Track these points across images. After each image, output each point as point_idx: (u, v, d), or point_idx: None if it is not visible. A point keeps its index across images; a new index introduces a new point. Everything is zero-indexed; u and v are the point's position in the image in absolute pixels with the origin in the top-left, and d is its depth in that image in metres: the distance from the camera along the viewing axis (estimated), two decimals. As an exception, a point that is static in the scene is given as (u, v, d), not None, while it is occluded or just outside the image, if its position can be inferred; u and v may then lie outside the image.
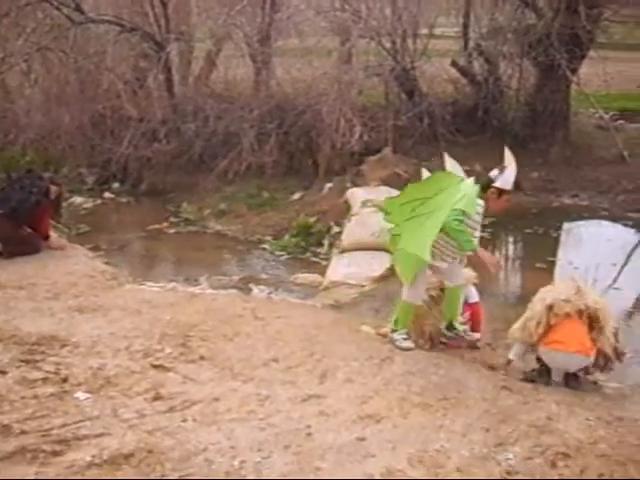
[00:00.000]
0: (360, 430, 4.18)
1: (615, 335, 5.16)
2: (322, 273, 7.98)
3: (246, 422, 4.21)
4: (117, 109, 12.21)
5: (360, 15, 12.00)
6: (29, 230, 7.25)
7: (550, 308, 5.06)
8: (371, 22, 12.13)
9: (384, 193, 9.49)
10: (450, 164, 5.66)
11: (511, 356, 5.29)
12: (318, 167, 10.96)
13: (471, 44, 13.18)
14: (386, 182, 10.10)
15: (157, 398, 4.44)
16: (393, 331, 5.50)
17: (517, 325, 5.25)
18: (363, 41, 12.46)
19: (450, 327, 5.67)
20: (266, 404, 4.41)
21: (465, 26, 13.45)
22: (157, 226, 10.12)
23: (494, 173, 5.34)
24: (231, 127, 11.32)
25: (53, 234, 7.67)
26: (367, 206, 8.92)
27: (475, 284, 5.84)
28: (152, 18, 12.63)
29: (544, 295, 5.19)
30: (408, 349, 5.37)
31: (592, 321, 5.04)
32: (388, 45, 12.35)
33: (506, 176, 5.34)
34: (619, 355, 5.17)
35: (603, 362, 5.13)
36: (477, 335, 5.75)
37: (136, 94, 12.24)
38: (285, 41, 13.38)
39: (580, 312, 5.03)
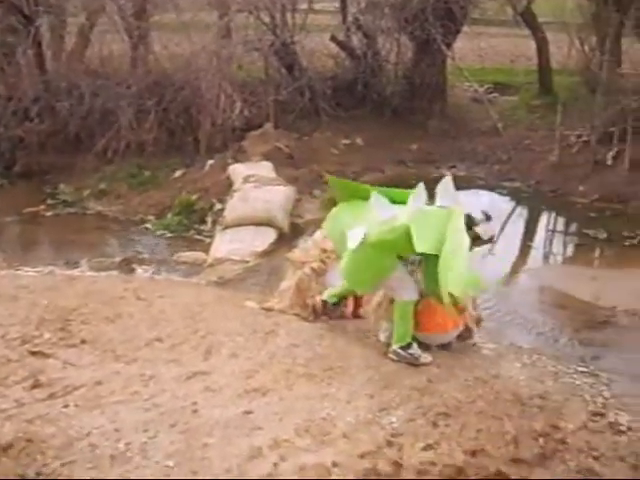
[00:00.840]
0: (246, 404, 4.23)
1: (474, 307, 5.45)
2: (206, 251, 7.92)
3: (130, 404, 4.18)
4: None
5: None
6: None
7: None
8: (249, -5, 12.01)
9: (266, 168, 9.55)
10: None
11: (382, 339, 5.33)
12: (199, 144, 10.78)
13: (349, 18, 13.29)
14: (268, 157, 10.12)
15: (36, 386, 4.34)
16: (402, 347, 4.95)
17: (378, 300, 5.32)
18: (242, 15, 12.32)
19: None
20: (150, 384, 4.39)
21: (343, 0, 13.55)
22: (33, 209, 9.71)
23: (479, 217, 5.04)
24: (108, 104, 10.95)
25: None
26: (249, 182, 8.91)
27: None
28: (20, -9, 12.02)
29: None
30: (428, 362, 4.95)
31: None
32: (267, 19, 12.28)
33: (490, 226, 5.12)
34: (478, 322, 5.46)
35: (467, 334, 5.39)
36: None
37: (4, 71, 11.61)
38: (162, 15, 13.05)
39: None
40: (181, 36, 12.25)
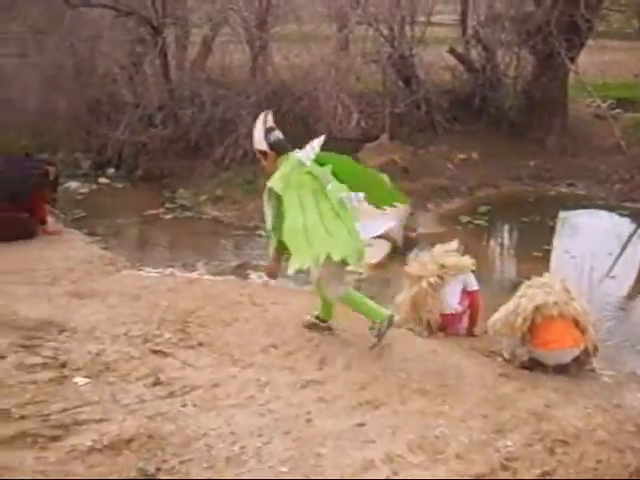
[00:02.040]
0: (359, 416, 4.20)
1: (594, 332, 5.26)
2: (319, 259, 7.95)
3: (246, 408, 4.22)
4: (113, 94, 12.13)
5: (358, 1, 11.91)
6: (26, 214, 7.22)
7: (538, 308, 5.10)
8: (369, 8, 12.05)
9: (381, 180, 9.51)
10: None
11: (506, 355, 5.29)
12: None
13: (469, 31, 13.13)
14: (383, 169, 10.05)
15: (157, 383, 4.45)
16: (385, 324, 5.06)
17: (498, 316, 5.26)
18: (361, 27, 12.39)
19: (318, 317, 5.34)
20: (265, 390, 4.43)
21: (463, 13, 13.41)
22: (153, 211, 10.07)
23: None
24: (228, 113, 11.25)
25: (50, 219, 7.65)
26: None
27: (473, 271, 5.85)
28: (148, 2, 12.53)
29: (533, 293, 5.20)
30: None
31: (576, 323, 5.11)
32: (386, 32, 12.28)
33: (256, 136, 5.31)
34: (595, 349, 5.26)
35: (586, 358, 5.20)
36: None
37: (132, 79, 12.14)
38: (282, 26, 13.30)
39: (564, 315, 5.08)
40: (300, 47, 12.42)
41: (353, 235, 4.98)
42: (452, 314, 5.74)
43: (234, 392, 4.38)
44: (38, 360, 4.74)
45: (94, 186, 11.53)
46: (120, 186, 11.65)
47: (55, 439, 3.87)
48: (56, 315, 5.42)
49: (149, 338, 5.05)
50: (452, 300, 5.71)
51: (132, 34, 12.67)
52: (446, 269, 5.66)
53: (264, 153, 5.25)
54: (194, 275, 6.76)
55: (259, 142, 5.25)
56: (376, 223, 5.30)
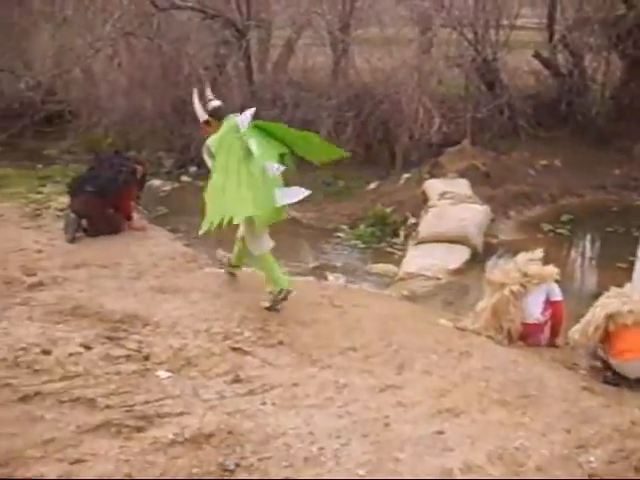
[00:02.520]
0: (438, 423, 4.15)
1: None
2: (397, 264, 7.93)
3: (324, 409, 4.23)
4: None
5: (443, 4, 11.81)
6: (113, 210, 7.42)
7: (611, 317, 4.97)
8: (454, 12, 11.94)
9: (462, 185, 9.42)
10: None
11: (584, 367, 5.19)
12: (395, 157, 10.88)
13: (556, 35, 12.84)
14: (464, 174, 9.98)
15: (236, 380, 4.50)
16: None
17: (577, 327, 5.17)
18: (444, 31, 12.29)
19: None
20: (344, 392, 4.42)
21: (550, 16, 13.12)
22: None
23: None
24: (309, 115, 11.34)
25: (135, 215, 7.85)
26: (445, 198, 8.83)
27: (557, 281, 5.72)
28: (234, 5, 12.75)
29: (607, 302, 5.10)
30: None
31: None
32: (470, 35, 12.14)
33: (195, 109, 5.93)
34: None
35: None
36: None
37: (216, 80, 12.35)
38: (365, 30, 13.31)
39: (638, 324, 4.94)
40: (383, 51, 12.40)
41: (265, 199, 5.53)
42: (534, 324, 5.61)
43: (313, 392, 4.39)
44: (123, 352, 4.87)
45: (176, 184, 11.77)
46: (201, 184, 11.81)
47: (138, 430, 3.96)
48: (140, 309, 5.56)
49: (230, 335, 5.12)
50: (535, 309, 5.58)
51: (217, 36, 12.89)
52: (529, 278, 5.54)
53: (207, 122, 5.87)
54: (274, 275, 6.80)
55: (200, 115, 5.92)
56: (295, 191, 5.77)
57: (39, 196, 8.99)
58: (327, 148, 6.45)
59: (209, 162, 5.78)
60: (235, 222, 5.50)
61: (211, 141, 5.69)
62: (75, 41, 12.18)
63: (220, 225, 5.45)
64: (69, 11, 12.45)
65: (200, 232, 5.48)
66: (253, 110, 5.69)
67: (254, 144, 5.53)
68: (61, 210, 7.10)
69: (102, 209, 7.18)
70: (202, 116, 5.89)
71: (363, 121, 11.14)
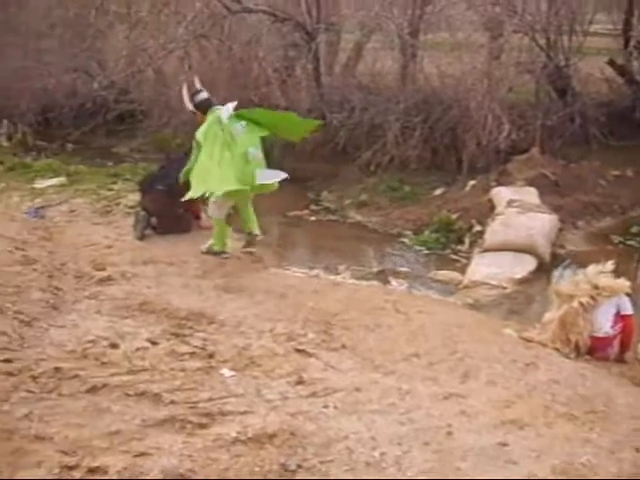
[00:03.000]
0: (502, 435, 4.07)
1: None
2: (461, 271, 7.85)
3: (387, 415, 4.20)
4: (266, 97, 12.47)
5: (515, 9, 11.63)
6: (182, 209, 7.53)
7: None
8: (526, 17, 11.73)
9: (530, 194, 9.26)
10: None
11: None
12: (462, 163, 10.74)
13: (632, 42, 12.49)
14: (532, 183, 9.80)
15: (299, 382, 4.51)
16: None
17: None
18: (515, 36, 12.08)
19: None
20: (407, 399, 4.39)
21: (627, 23, 12.76)
22: (298, 212, 10.28)
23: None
24: (376, 119, 11.31)
25: (203, 215, 7.96)
26: (512, 206, 8.69)
27: (628, 295, 5.58)
28: (304, 8, 12.81)
29: None
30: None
31: None
32: (542, 41, 11.91)
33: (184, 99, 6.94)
34: None
35: None
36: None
37: (285, 83, 12.46)
38: (434, 34, 13.21)
39: None
40: (452, 56, 12.27)
41: (245, 177, 6.65)
42: (603, 337, 5.47)
43: (375, 398, 4.37)
44: (188, 349, 4.94)
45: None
46: (266, 186, 11.94)
47: (202, 426, 4.01)
48: (206, 307, 5.64)
49: (293, 337, 5.15)
50: (604, 323, 5.45)
51: (286, 39, 12.99)
52: (600, 290, 5.41)
53: (194, 113, 6.96)
54: (338, 278, 6.82)
55: (188, 105, 6.96)
56: (274, 173, 7.02)
57: (110, 193, 9.23)
58: (305, 124, 7.79)
59: (194, 154, 6.81)
60: (217, 193, 6.64)
61: (199, 133, 6.72)
62: (148, 42, 12.41)
63: (203, 196, 6.66)
64: (143, 13, 12.71)
65: (184, 198, 6.62)
66: (235, 103, 6.86)
67: (237, 131, 6.67)
68: (131, 207, 7.28)
69: (172, 208, 7.30)
70: (188, 107, 6.99)
71: (431, 126, 11.04)
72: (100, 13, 13.21)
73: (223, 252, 6.98)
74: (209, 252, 6.98)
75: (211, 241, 7.04)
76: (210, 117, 6.77)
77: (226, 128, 6.67)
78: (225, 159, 6.58)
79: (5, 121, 15.39)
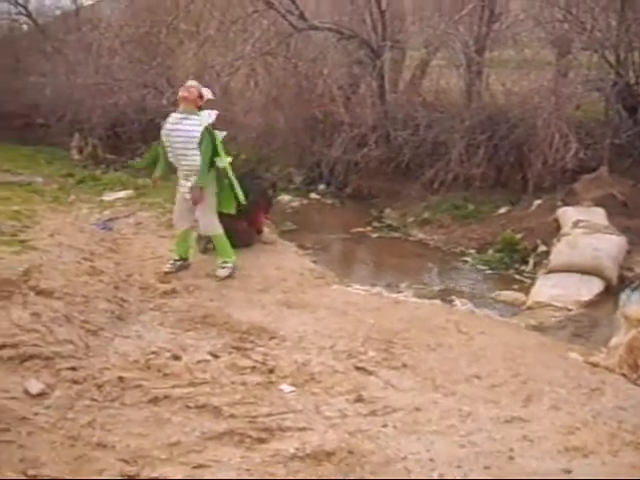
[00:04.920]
0: (566, 462, 3.98)
1: None
2: (525, 292, 7.69)
3: (446, 436, 4.15)
4: (330, 113, 12.55)
5: (585, 26, 11.42)
6: (245, 223, 7.61)
7: None
8: (595, 33, 11.51)
9: (597, 214, 9.03)
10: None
11: None
12: (527, 182, 10.56)
13: None
14: (599, 203, 9.55)
15: (359, 400, 4.50)
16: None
17: None
18: (584, 53, 11.86)
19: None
20: (467, 421, 4.33)
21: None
22: (360, 229, 10.28)
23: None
24: (440, 137, 11.24)
25: (266, 229, 8.03)
26: (578, 227, 8.49)
27: None
28: (369, 25, 12.86)
29: None
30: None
31: None
32: (612, 58, 11.66)
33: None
34: None
35: None
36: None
37: (349, 100, 12.50)
38: (500, 51, 13.07)
39: None
40: (519, 73, 12.13)
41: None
42: (673, 364, 5.29)
43: (435, 418, 4.33)
44: (248, 363, 4.99)
45: (305, 201, 12.00)
46: (329, 202, 12.03)
47: (260, 441, 4.04)
48: (267, 322, 5.68)
49: (354, 354, 5.13)
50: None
51: (351, 56, 13.04)
52: (670, 316, 5.25)
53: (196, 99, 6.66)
54: (400, 296, 6.77)
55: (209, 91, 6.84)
56: None
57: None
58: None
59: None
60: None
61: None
62: (216, 59, 12.63)
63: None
64: (212, 31, 12.95)
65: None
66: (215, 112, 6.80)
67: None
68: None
69: (235, 222, 7.37)
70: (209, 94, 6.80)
71: (496, 144, 10.90)
72: (171, 32, 13.50)
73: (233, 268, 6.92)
74: (231, 271, 6.81)
75: (220, 262, 6.87)
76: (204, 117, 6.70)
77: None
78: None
79: (77, 134, 15.89)
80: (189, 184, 6.66)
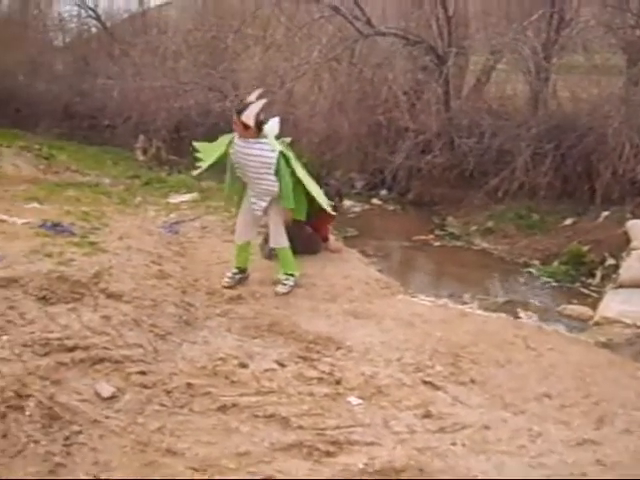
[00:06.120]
0: (642, 489, 3.89)
1: None
2: (592, 306, 7.52)
3: (516, 457, 4.09)
4: (393, 119, 12.50)
5: (659, 33, 11.14)
6: (311, 230, 7.62)
7: None
8: (670, 39, 11.22)
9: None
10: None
11: None
12: (595, 193, 10.33)
13: None
14: (672, 217, 9.29)
15: (427, 416, 4.46)
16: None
17: None
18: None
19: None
20: (538, 441, 4.25)
21: None
22: (422, 237, 10.20)
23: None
24: (506, 145, 11.08)
25: (331, 236, 8.03)
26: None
27: None
28: (435, 31, 12.77)
29: None
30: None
31: None
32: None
33: (248, 112, 6.24)
34: None
35: None
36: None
37: (414, 106, 12.43)
38: (568, 57, 12.82)
39: None
40: (588, 80, 11.88)
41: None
42: None
43: (505, 438, 4.26)
44: (315, 374, 4.99)
45: (366, 206, 11.98)
46: (391, 208, 12.00)
47: (329, 454, 4.04)
48: (333, 332, 5.67)
49: (421, 368, 5.09)
50: None
51: (416, 62, 12.97)
52: None
53: (245, 126, 6.29)
54: (466, 308, 6.70)
55: (250, 119, 6.25)
56: None
57: (239, 211, 9.46)
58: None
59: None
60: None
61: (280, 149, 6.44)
62: (281, 64, 12.71)
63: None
64: (279, 36, 13.04)
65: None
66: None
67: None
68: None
69: (300, 229, 7.38)
70: (249, 121, 6.27)
71: (563, 153, 10.68)
72: (238, 37, 13.64)
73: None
74: (291, 288, 6.65)
75: (282, 276, 6.72)
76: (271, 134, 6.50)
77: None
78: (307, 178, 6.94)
79: (141, 136, 16.18)
80: (263, 204, 6.56)
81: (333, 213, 7.47)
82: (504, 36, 11.65)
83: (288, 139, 6.97)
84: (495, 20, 13.71)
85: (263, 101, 6.35)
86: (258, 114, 6.29)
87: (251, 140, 6.35)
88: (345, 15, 12.15)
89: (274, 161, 6.35)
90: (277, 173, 6.38)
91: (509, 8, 13.10)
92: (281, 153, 6.40)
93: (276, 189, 6.43)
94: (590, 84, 11.77)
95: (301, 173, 6.79)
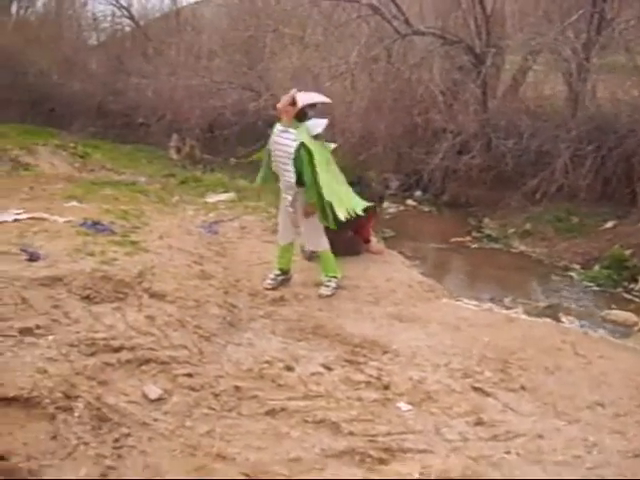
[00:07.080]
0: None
1: None
2: (636, 312, 7.40)
3: (572, 468, 4.00)
4: (430, 120, 12.41)
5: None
6: (351, 233, 7.57)
7: None
8: None
9: None
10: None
11: None
12: (636, 196, 10.17)
13: None
14: None
15: (479, 423, 4.40)
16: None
17: None
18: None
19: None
20: (593, 452, 4.16)
21: None
22: (459, 239, 10.12)
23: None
24: (544, 146, 10.95)
25: (373, 239, 7.97)
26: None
27: None
28: (473, 31, 12.65)
29: None
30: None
31: None
32: None
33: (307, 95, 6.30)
34: None
35: None
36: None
37: (451, 106, 12.33)
38: (608, 58, 12.63)
39: None
40: (630, 81, 11.69)
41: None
42: None
43: (560, 447, 4.18)
44: (363, 378, 4.94)
45: (401, 207, 11.91)
46: (426, 209, 11.92)
47: (382, 462, 3.98)
48: (379, 335, 5.61)
49: (469, 373, 5.02)
50: None
51: (454, 62, 12.86)
52: None
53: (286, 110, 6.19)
54: (512, 313, 6.60)
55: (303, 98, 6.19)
56: None
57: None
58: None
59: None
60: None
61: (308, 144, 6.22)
62: (318, 64, 12.65)
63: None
64: (318, 36, 13.00)
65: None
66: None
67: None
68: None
69: (342, 230, 7.33)
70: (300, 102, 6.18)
71: (603, 155, 10.53)
72: (276, 36, 13.63)
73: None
74: (334, 290, 6.55)
75: (325, 278, 6.63)
76: (304, 129, 6.28)
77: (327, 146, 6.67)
78: (339, 178, 6.80)
79: (175, 135, 16.26)
80: (289, 197, 6.42)
81: (375, 213, 7.39)
82: (544, 36, 11.48)
83: (332, 145, 6.85)
84: (533, 20, 13.53)
85: (328, 100, 6.66)
86: (311, 105, 6.26)
87: (283, 127, 6.24)
88: (384, 15, 12.07)
89: (292, 150, 6.19)
90: (295, 164, 6.23)
91: (549, 8, 12.91)
92: (302, 144, 6.17)
93: (293, 181, 6.29)
94: (631, 85, 11.57)
95: (325, 178, 6.35)
